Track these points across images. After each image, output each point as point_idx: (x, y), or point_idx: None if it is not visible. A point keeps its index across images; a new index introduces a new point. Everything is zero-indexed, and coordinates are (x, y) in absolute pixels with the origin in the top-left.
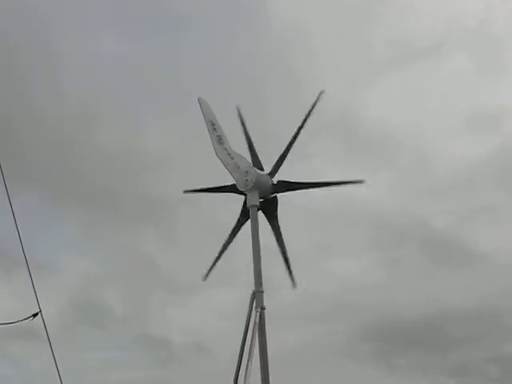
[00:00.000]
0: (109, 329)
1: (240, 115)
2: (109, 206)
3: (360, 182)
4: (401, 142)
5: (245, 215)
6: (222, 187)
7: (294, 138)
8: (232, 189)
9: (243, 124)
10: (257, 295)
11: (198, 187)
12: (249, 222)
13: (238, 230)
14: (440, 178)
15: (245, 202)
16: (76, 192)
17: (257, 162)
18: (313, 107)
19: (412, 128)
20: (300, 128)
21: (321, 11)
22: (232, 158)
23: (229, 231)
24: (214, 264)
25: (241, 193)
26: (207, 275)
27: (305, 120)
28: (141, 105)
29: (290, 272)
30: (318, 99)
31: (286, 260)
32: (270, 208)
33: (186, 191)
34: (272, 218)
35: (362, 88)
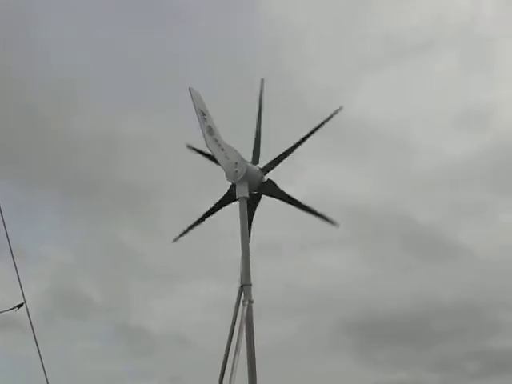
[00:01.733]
0: (90, 319)
1: (261, 89)
2: (89, 194)
3: (333, 223)
4: (388, 138)
5: (226, 200)
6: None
7: (297, 144)
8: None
9: (261, 100)
10: (245, 288)
11: (199, 149)
12: (230, 209)
13: (215, 210)
14: (427, 174)
15: (229, 190)
16: (54, 180)
17: (257, 150)
18: (327, 120)
19: (400, 124)
20: (306, 137)
21: (311, 7)
22: (222, 149)
23: (210, 219)
24: (186, 231)
25: (234, 200)
26: (177, 239)
27: (313, 131)
28: (121, 92)
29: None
30: (334, 113)
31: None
32: (270, 189)
33: (189, 146)
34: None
35: (351, 84)
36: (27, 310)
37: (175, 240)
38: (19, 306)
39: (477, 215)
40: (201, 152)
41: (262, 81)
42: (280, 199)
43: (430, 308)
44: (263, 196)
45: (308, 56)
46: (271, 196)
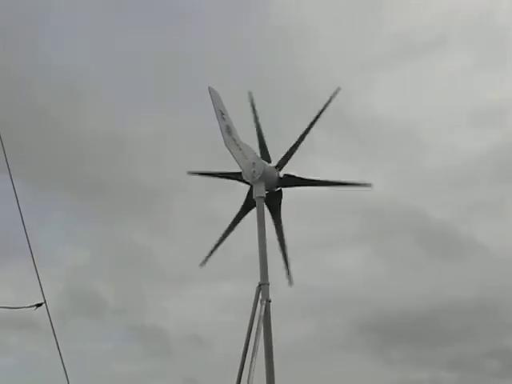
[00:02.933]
0: (105, 320)
1: (252, 101)
2: (101, 194)
3: (366, 185)
4: (400, 135)
5: (248, 206)
6: (227, 173)
7: (305, 133)
8: (238, 177)
9: (254, 111)
10: (263, 288)
11: (203, 171)
12: (251, 214)
13: (240, 219)
14: (440, 171)
15: (249, 193)
16: (65, 180)
17: (265, 152)
18: (327, 104)
19: (413, 121)
20: (312, 123)
21: (322, 5)
22: (240, 149)
23: (223, 219)
24: (212, 251)
25: (246, 182)
26: (205, 262)
27: (317, 116)
28: (134, 92)
29: (288, 269)
30: (333, 96)
31: (285, 256)
32: (274, 201)
33: (189, 172)
34: (275, 211)
35: (363, 81)
36: (47, 309)
37: (202, 264)
38: (38, 305)
39: (492, 212)
40: (203, 173)
41: (250, 94)
42: (305, 185)
43: (445, 306)
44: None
45: (320, 54)
46: (294, 186)
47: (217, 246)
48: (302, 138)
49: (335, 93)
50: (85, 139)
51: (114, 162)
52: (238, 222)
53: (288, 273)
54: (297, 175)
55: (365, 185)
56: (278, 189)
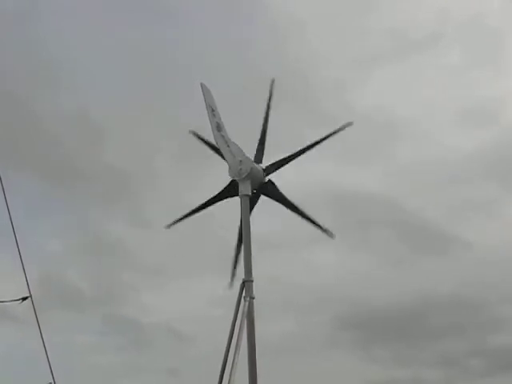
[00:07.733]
0: (84, 312)
1: (271, 89)
2: (75, 181)
3: (330, 234)
4: (389, 132)
5: (225, 194)
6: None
7: (303, 150)
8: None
9: (269, 101)
10: (246, 284)
11: (180, 216)
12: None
13: (213, 202)
14: (429, 168)
15: (229, 184)
16: (38, 166)
17: (260, 151)
18: (335, 132)
19: (401, 118)
20: (312, 145)
21: (316, 2)
22: (228, 146)
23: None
24: (180, 219)
25: (232, 195)
26: (172, 225)
27: (320, 140)
28: (110, 78)
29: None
30: (343, 127)
31: (237, 257)
32: (270, 190)
33: (168, 226)
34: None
35: (356, 78)
36: (33, 304)
37: (169, 226)
38: (24, 298)
39: (478, 210)
40: (205, 142)
41: (273, 81)
42: (279, 202)
43: (429, 303)
44: (262, 196)
45: (313, 51)
46: (270, 197)
47: (185, 216)
48: (297, 154)
49: (345, 126)
50: (58, 124)
51: (88, 149)
52: (210, 205)
53: (233, 275)
54: (278, 188)
55: (328, 233)
56: (268, 179)
